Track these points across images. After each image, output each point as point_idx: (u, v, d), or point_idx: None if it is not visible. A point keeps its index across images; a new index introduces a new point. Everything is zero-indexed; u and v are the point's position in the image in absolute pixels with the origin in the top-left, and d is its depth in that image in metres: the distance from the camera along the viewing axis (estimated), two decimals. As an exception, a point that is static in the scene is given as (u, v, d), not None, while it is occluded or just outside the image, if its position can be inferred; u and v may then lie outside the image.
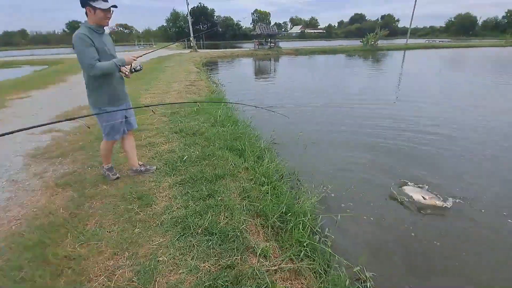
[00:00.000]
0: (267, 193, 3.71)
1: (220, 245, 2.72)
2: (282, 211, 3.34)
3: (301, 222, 3.18)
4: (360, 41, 41.97)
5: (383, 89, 13.79)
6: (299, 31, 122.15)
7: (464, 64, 25.06)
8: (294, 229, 3.08)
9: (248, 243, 2.76)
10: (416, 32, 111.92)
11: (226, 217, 3.12)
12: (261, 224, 3.18)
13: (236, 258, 2.55)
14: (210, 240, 2.75)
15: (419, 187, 4.47)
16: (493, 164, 5.45)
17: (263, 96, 12.08)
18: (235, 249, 2.65)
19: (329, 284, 2.53)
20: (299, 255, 2.78)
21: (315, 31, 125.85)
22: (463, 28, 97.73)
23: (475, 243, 3.44)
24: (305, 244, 2.91)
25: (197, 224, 2.94)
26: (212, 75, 18.67)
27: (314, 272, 2.67)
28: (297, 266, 2.62)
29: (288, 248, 2.85)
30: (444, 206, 3.99)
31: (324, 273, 2.69)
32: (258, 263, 2.52)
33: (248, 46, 46.44)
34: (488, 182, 4.74)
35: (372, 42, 39.76)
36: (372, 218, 3.85)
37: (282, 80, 16.91)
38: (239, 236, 2.82)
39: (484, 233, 3.57)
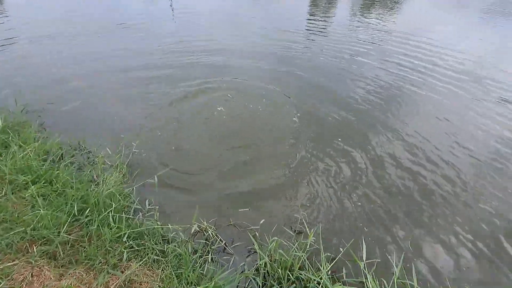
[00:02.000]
0: (36, 197, 2.31)
1: None
2: (73, 213, 2.22)
3: (110, 212, 2.27)
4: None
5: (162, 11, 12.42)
6: None
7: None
8: (102, 228, 2.17)
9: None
10: None
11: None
12: (43, 253, 1.97)
13: None
14: None
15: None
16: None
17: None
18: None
19: (170, 265, 2.05)
20: (121, 259, 2.01)
21: None
22: None
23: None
24: (125, 239, 2.14)
25: None
26: None
27: (151, 264, 2.06)
28: (124, 277, 1.88)
29: (103, 261, 1.98)
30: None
31: (162, 255, 2.16)
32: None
33: None
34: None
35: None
36: (187, 162, 3.54)
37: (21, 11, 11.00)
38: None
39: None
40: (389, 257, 2.40)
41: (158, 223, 2.38)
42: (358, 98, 5.11)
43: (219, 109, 4.46)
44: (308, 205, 2.94)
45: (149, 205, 2.57)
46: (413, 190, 3.21)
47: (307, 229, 2.42)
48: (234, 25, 10.04)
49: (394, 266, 2.11)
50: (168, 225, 2.42)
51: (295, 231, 2.61)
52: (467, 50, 8.13)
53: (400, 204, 3.02)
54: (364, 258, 2.15)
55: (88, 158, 3.29)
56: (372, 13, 13.69)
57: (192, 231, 2.42)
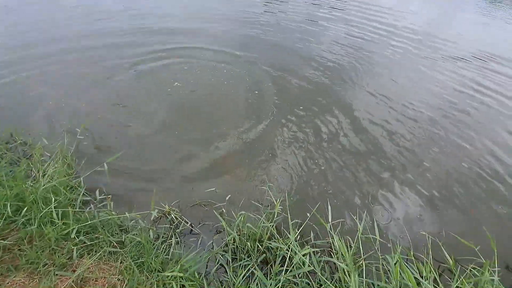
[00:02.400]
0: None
1: None
2: (6, 214, 1.92)
3: (53, 206, 2.01)
4: None
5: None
6: None
7: None
8: (44, 227, 1.91)
9: None
10: None
11: None
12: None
13: None
14: None
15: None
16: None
17: None
18: None
19: (129, 255, 1.90)
20: (71, 257, 1.81)
21: None
22: None
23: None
24: (74, 235, 1.91)
25: None
26: None
27: (107, 257, 1.89)
28: (76, 276, 1.69)
29: (49, 263, 1.76)
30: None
31: (120, 246, 1.99)
32: None
33: None
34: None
35: None
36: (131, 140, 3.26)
37: None
38: None
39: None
40: (353, 216, 2.48)
41: (113, 213, 2.17)
42: (323, 62, 5.06)
43: (176, 84, 4.10)
44: (274, 176, 2.89)
45: (100, 195, 2.32)
46: (374, 148, 3.31)
47: (274, 200, 2.38)
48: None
49: (358, 223, 2.17)
50: (125, 213, 2.22)
51: (261, 203, 2.57)
52: (422, 13, 8.34)
53: (362, 163, 3.11)
54: (330, 220, 2.17)
55: (24, 151, 2.86)
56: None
57: (152, 217, 2.25)
